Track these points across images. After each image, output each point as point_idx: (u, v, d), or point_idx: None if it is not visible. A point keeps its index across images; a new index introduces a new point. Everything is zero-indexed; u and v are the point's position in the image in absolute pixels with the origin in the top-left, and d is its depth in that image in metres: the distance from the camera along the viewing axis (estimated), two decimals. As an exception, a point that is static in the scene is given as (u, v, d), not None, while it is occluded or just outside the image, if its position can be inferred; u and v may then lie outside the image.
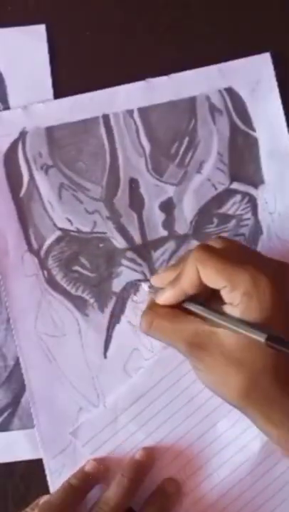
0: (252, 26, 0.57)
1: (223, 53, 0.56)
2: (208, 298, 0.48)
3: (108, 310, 0.55)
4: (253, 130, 0.56)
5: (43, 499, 0.52)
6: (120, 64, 0.57)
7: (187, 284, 0.47)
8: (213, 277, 0.45)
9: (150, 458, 0.53)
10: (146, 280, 0.53)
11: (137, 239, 0.55)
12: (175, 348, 0.48)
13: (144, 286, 0.53)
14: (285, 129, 0.56)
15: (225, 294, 0.46)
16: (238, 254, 0.47)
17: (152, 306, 0.49)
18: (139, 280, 0.55)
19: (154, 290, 0.51)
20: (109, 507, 0.51)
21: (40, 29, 0.56)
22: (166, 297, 0.48)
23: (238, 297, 0.45)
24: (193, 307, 0.48)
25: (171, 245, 0.55)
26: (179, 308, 0.49)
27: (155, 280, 0.51)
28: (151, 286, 0.52)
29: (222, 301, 0.46)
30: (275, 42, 0.56)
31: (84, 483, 0.53)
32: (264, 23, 0.57)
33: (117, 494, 0.51)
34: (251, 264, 0.45)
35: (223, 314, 0.46)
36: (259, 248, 0.56)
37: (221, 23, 0.57)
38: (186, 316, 0.48)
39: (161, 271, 0.51)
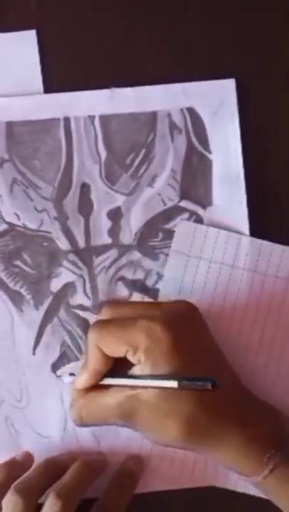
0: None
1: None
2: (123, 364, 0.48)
3: (43, 308, 0.56)
4: (209, 152, 0.57)
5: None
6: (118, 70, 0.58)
7: (95, 363, 0.48)
8: (113, 348, 0.47)
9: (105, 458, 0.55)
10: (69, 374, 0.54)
11: (81, 243, 0.56)
12: (110, 423, 0.49)
13: (65, 379, 0.54)
14: (240, 155, 0.57)
15: (131, 358, 0.47)
16: (130, 312, 0.48)
17: (76, 398, 0.50)
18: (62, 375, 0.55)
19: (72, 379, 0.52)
20: (67, 490, 0.50)
21: (31, 35, 0.57)
22: (82, 382, 0.49)
23: (142, 355, 0.46)
24: (106, 381, 0.49)
25: (113, 253, 0.56)
26: (101, 389, 0.49)
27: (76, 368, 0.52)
28: (71, 374, 0.53)
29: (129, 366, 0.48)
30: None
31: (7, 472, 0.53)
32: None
33: (75, 478, 0.51)
34: (143, 317, 0.47)
35: (133, 377, 0.47)
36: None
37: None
38: (105, 392, 0.48)
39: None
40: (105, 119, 0.57)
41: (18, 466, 0.54)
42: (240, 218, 0.57)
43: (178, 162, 0.57)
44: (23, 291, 0.56)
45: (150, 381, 0.46)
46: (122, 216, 0.57)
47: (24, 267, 0.56)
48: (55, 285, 0.56)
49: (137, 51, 0.58)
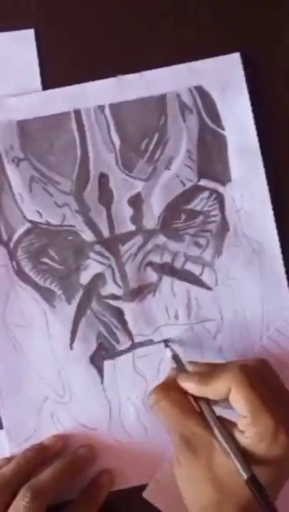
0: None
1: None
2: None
3: (75, 302, 0.56)
4: (222, 128, 0.57)
5: None
6: (118, 66, 0.58)
7: (213, 393, 0.47)
8: (240, 404, 0.45)
9: (93, 452, 0.55)
10: (170, 348, 0.54)
11: (105, 233, 0.56)
12: (168, 432, 0.49)
13: (168, 353, 0.53)
14: (253, 128, 0.57)
15: (241, 421, 0.46)
16: (271, 387, 0.47)
17: (168, 385, 0.49)
18: (166, 344, 0.55)
19: (178, 367, 0.52)
20: (40, 485, 0.51)
21: (29, 34, 0.57)
22: (187, 386, 0.49)
23: (252, 433, 0.45)
24: (206, 410, 0.48)
25: (138, 239, 0.56)
26: (189, 405, 0.49)
27: (189, 365, 0.51)
28: (175, 358, 0.53)
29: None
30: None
31: (37, 455, 0.54)
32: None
33: (50, 475, 0.52)
34: (278, 411, 0.45)
35: (228, 434, 0.46)
36: (226, 244, 0.57)
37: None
38: (193, 413, 0.48)
39: (197, 365, 0.51)
40: (115, 108, 0.57)
41: (44, 450, 0.54)
42: (261, 191, 0.57)
43: (192, 142, 0.57)
44: (53, 287, 0.56)
45: (234, 450, 0.45)
46: (142, 202, 0.57)
47: (52, 263, 0.56)
48: (85, 278, 0.56)
49: (138, 45, 0.58)
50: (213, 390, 0.47)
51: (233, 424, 0.47)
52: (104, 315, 0.56)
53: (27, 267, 0.56)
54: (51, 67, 0.58)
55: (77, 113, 0.57)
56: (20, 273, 0.56)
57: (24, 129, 0.57)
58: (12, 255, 0.56)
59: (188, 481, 0.47)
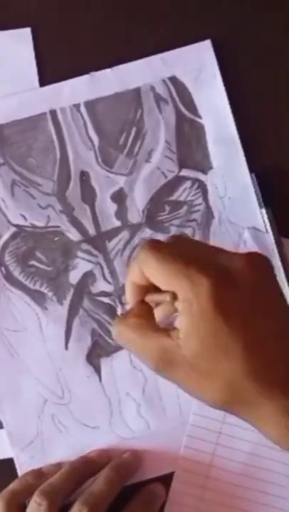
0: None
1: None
2: None
3: (67, 302, 0.56)
4: (199, 117, 0.57)
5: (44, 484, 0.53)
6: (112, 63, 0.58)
7: (134, 279, 0.44)
8: (155, 279, 0.42)
9: (138, 458, 0.55)
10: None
11: (91, 230, 0.56)
12: (144, 364, 0.45)
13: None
14: (230, 114, 0.57)
15: (170, 301, 0.42)
16: (186, 251, 0.43)
17: (124, 316, 0.46)
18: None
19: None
20: (95, 499, 0.51)
21: (26, 32, 0.57)
22: (128, 296, 0.45)
23: (180, 304, 0.41)
24: (150, 298, 0.45)
25: (125, 235, 0.56)
26: (150, 324, 0.45)
27: None
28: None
29: None
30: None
31: (87, 468, 0.54)
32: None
33: (104, 488, 0.52)
34: (195, 264, 0.41)
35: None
36: (212, 232, 0.57)
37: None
38: (154, 332, 0.44)
39: None
40: (91, 105, 0.57)
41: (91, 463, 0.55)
42: (242, 176, 0.57)
43: (170, 133, 0.57)
44: (43, 289, 0.56)
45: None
46: (126, 197, 0.57)
47: (40, 266, 0.56)
48: (74, 277, 0.56)
49: (137, 44, 0.58)
50: (134, 279, 0.44)
51: None
52: (97, 313, 0.56)
53: (16, 272, 0.56)
54: (49, 65, 0.57)
55: (53, 113, 0.57)
56: (9, 278, 0.56)
57: (1, 133, 0.56)
58: (-1, 261, 0.56)
59: (190, 390, 0.44)
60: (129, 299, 0.45)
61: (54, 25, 0.58)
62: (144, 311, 0.45)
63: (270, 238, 0.56)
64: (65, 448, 0.55)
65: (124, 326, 0.45)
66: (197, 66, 0.57)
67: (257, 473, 0.55)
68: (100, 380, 0.56)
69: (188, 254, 0.42)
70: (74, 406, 0.56)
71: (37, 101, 0.56)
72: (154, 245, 0.43)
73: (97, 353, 0.56)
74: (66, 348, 0.56)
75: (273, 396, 0.42)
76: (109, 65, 0.57)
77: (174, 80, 0.57)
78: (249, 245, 0.56)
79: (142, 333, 0.44)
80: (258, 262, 0.43)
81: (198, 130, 0.57)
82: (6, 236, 0.56)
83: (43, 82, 0.57)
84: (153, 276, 0.42)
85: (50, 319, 0.56)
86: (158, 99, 0.57)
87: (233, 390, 0.42)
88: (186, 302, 0.40)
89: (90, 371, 0.56)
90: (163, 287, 0.42)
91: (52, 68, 0.57)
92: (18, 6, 0.58)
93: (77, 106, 0.57)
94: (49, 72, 0.57)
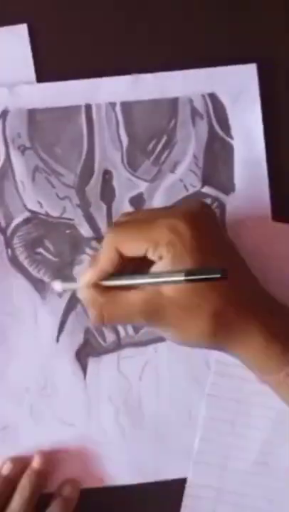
0: (242, 35, 0.58)
1: (210, 58, 0.57)
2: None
3: (66, 295, 0.56)
4: (231, 138, 0.57)
5: None
6: (113, 64, 0.57)
7: (107, 263, 0.47)
8: (133, 247, 0.47)
9: (48, 463, 0.55)
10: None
11: (104, 230, 0.56)
12: (134, 324, 0.50)
13: (56, 286, 0.51)
14: (262, 140, 0.57)
15: (152, 255, 0.46)
16: (148, 215, 0.49)
17: (95, 297, 0.48)
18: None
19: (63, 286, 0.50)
20: None
21: (23, 28, 0.57)
22: (88, 280, 0.48)
23: (164, 250, 0.46)
24: (112, 282, 0.48)
25: (136, 240, 0.56)
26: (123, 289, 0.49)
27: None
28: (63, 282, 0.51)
29: (147, 268, 0.47)
30: (262, 53, 0.57)
31: (5, 488, 0.54)
32: (255, 34, 0.58)
33: (20, 505, 0.53)
34: (163, 215, 0.47)
35: (141, 274, 0.47)
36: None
37: (213, 27, 0.58)
38: (127, 290, 0.48)
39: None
40: (127, 106, 0.57)
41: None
42: (263, 204, 0.57)
43: (199, 148, 0.57)
44: (46, 278, 0.56)
45: (157, 275, 0.46)
46: (144, 202, 0.56)
47: (47, 255, 0.56)
48: (78, 272, 0.56)
49: (135, 43, 0.57)
50: (106, 263, 0.47)
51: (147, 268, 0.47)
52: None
53: (21, 256, 0.56)
54: (46, 61, 0.57)
55: (88, 108, 0.57)
56: (14, 261, 0.56)
57: (34, 118, 0.56)
58: (8, 243, 0.56)
59: (182, 334, 0.48)
60: (92, 280, 0.48)
61: (51, 21, 0.57)
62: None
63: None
64: (38, 440, 0.55)
65: (101, 305, 0.48)
66: (239, 88, 0.57)
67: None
68: (85, 378, 0.56)
69: (150, 212, 0.50)
70: (54, 399, 0.55)
71: (75, 92, 0.56)
72: (116, 222, 0.50)
73: (87, 351, 0.56)
74: (57, 340, 0.56)
75: (253, 321, 0.48)
76: (110, 62, 0.57)
77: (213, 96, 0.57)
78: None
79: (118, 300, 0.48)
80: (206, 203, 0.51)
81: (228, 150, 0.57)
82: (18, 219, 0.56)
83: (40, 78, 0.57)
84: (129, 244, 0.47)
85: (46, 309, 0.56)
86: (194, 112, 0.57)
87: (218, 320, 0.47)
88: (169, 245, 0.46)
89: (76, 368, 0.56)
90: (142, 250, 0.46)
91: (49, 64, 0.57)
92: (15, 2, 0.57)
93: (113, 105, 0.57)
94: (46, 68, 0.57)
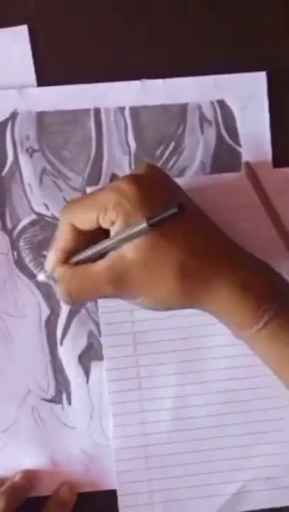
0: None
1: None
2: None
3: (71, 299, 0.56)
4: (239, 145, 0.57)
5: None
6: (114, 65, 0.57)
7: (65, 240, 0.48)
8: (85, 218, 0.47)
9: (29, 480, 0.55)
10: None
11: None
12: (105, 297, 0.49)
13: (40, 277, 0.52)
14: (270, 149, 0.57)
15: (103, 223, 0.47)
16: (97, 189, 0.49)
17: (62, 274, 0.49)
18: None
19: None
20: None
21: (23, 30, 0.57)
22: (52, 262, 0.49)
23: (113, 213, 0.46)
24: (77, 257, 0.49)
25: (142, 245, 0.56)
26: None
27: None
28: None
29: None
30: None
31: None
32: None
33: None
34: (108, 184, 0.49)
35: (104, 241, 0.47)
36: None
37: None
38: (91, 263, 0.48)
39: None
40: (135, 111, 0.57)
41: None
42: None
43: (207, 154, 0.57)
44: (51, 281, 0.56)
45: (121, 235, 0.46)
46: (151, 208, 0.56)
47: (52, 258, 0.56)
48: (82, 275, 0.56)
49: (135, 44, 0.57)
50: (64, 241, 0.48)
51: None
52: (98, 315, 0.56)
53: (27, 258, 0.56)
54: (46, 63, 0.57)
55: (97, 111, 0.57)
56: (19, 263, 0.56)
57: (42, 120, 0.56)
58: (14, 244, 0.56)
59: (153, 296, 0.47)
60: (57, 263, 0.49)
61: (51, 22, 0.57)
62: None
63: None
64: (38, 442, 0.55)
65: (68, 282, 0.48)
66: (248, 95, 0.57)
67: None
68: (87, 382, 0.56)
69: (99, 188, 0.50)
70: (56, 402, 0.56)
71: (84, 96, 0.56)
72: (67, 203, 0.50)
73: (90, 355, 0.56)
74: (61, 343, 0.56)
75: (221, 272, 0.47)
76: (110, 62, 0.57)
77: (222, 103, 0.57)
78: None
79: (84, 273, 0.48)
80: (151, 164, 0.50)
81: (235, 157, 0.57)
82: (25, 221, 0.56)
83: (40, 79, 0.57)
84: (81, 215, 0.47)
85: (51, 312, 0.56)
86: (202, 119, 0.57)
87: (183, 272, 0.46)
88: (116, 206, 0.46)
89: (79, 371, 0.56)
90: (94, 219, 0.47)
91: (49, 65, 0.57)
92: (16, 4, 0.57)
93: (122, 109, 0.57)
94: (46, 69, 0.57)
